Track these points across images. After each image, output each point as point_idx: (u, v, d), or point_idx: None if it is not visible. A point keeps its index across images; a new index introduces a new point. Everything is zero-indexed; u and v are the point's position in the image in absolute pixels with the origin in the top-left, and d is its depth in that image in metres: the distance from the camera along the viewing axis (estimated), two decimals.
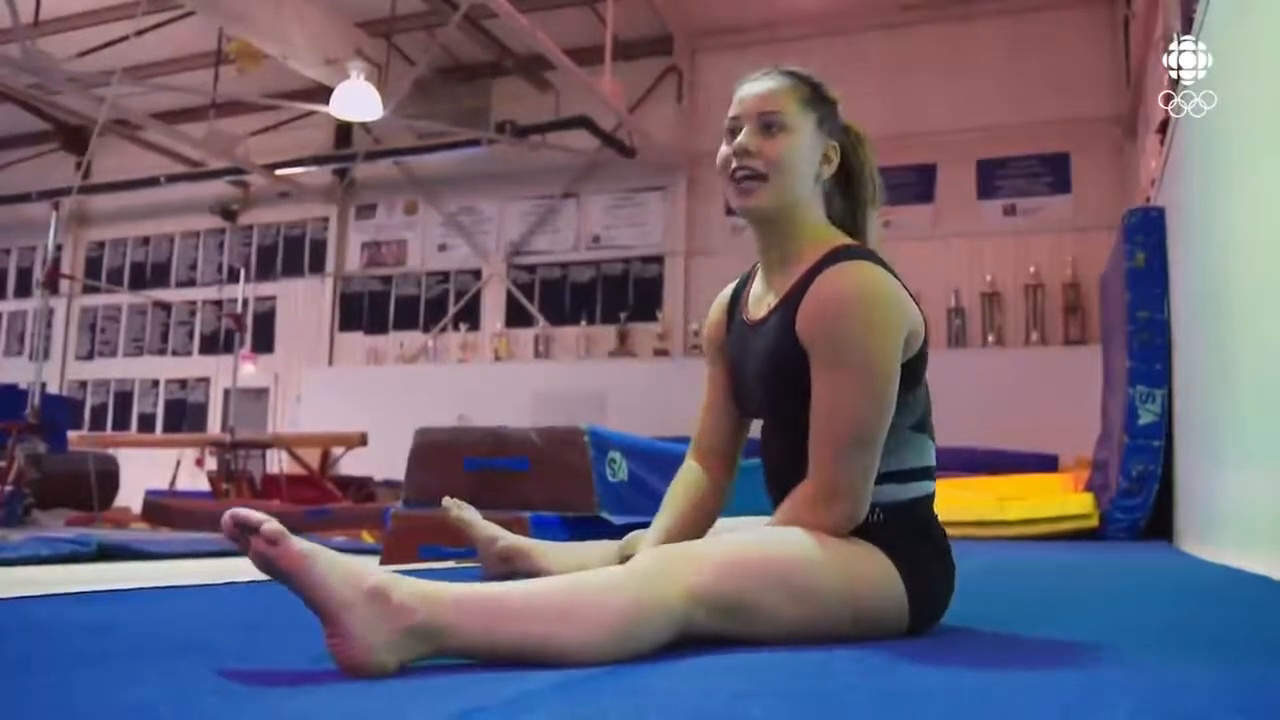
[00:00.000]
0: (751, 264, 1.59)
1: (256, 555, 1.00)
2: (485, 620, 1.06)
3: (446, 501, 2.35)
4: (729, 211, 10.15)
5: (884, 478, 1.36)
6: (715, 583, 1.18)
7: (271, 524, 1.00)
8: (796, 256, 1.43)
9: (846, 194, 1.52)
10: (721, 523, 1.80)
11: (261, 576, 1.02)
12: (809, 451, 1.34)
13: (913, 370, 1.37)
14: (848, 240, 1.44)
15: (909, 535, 1.38)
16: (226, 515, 1.00)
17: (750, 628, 1.22)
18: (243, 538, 1.01)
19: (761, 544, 1.27)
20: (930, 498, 1.44)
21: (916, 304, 1.38)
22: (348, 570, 1.02)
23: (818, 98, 1.45)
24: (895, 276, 1.37)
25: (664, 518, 1.54)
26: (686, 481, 1.58)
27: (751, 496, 1.67)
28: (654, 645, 1.13)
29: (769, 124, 1.40)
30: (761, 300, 1.49)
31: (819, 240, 1.43)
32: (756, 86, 1.44)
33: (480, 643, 1.06)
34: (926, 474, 1.43)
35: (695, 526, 1.53)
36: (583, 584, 1.14)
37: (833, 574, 1.27)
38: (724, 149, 1.44)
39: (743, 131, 1.42)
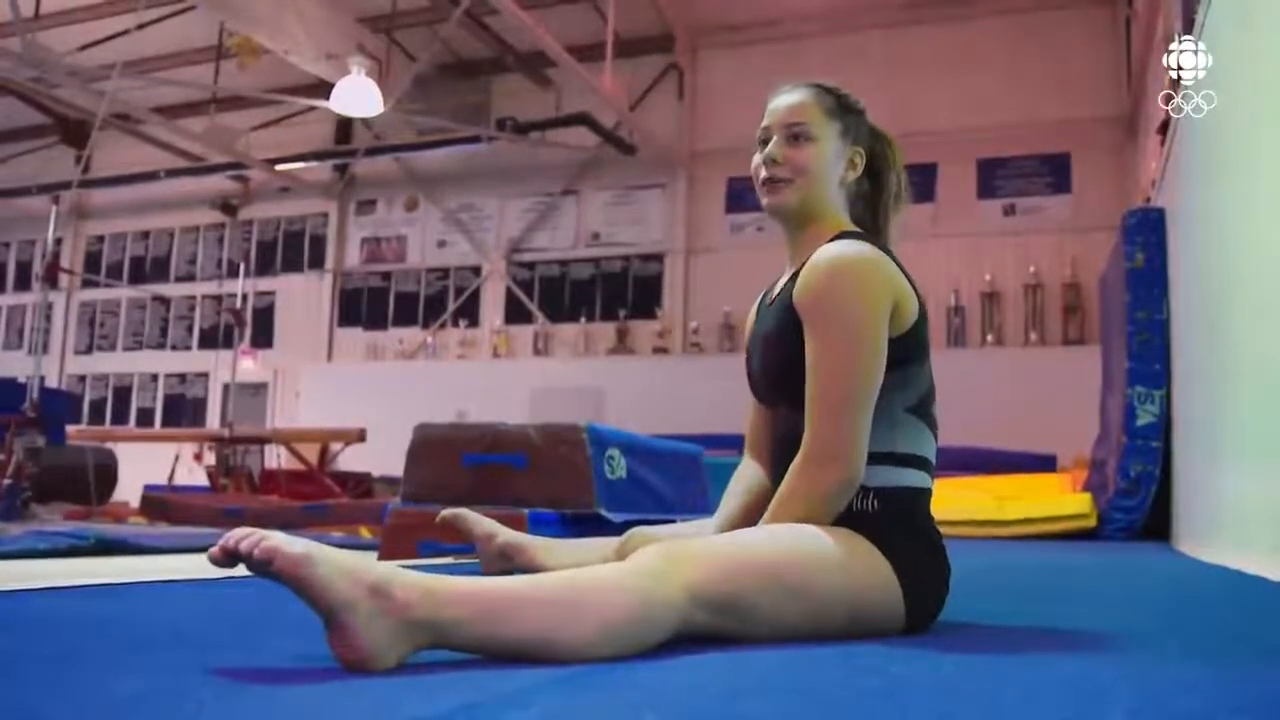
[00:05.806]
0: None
1: (254, 564, 0.99)
2: (486, 615, 1.06)
3: (443, 515, 2.35)
4: (729, 209, 10.18)
5: (878, 458, 1.38)
6: (716, 582, 1.19)
7: (264, 545, 0.99)
8: (812, 248, 1.51)
9: (871, 194, 1.63)
10: (700, 522, 1.83)
11: None
12: (805, 418, 1.39)
13: (904, 348, 1.42)
14: (854, 229, 1.54)
15: (902, 530, 1.39)
16: (212, 551, 0.99)
17: (748, 626, 1.22)
18: (235, 559, 0.99)
19: (762, 543, 1.29)
20: (926, 493, 1.44)
21: (914, 290, 1.46)
22: (348, 568, 1.02)
23: (842, 108, 1.56)
24: (896, 262, 1.45)
25: (725, 509, 1.62)
26: (741, 475, 1.66)
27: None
28: (653, 643, 1.14)
29: (795, 134, 1.52)
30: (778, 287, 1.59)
31: (832, 231, 1.53)
32: (785, 99, 1.55)
33: (481, 638, 1.06)
34: (923, 465, 1.44)
35: (756, 512, 1.54)
36: (583, 580, 1.14)
37: (830, 572, 1.28)
38: (756, 157, 1.56)
39: (772, 141, 1.53)
